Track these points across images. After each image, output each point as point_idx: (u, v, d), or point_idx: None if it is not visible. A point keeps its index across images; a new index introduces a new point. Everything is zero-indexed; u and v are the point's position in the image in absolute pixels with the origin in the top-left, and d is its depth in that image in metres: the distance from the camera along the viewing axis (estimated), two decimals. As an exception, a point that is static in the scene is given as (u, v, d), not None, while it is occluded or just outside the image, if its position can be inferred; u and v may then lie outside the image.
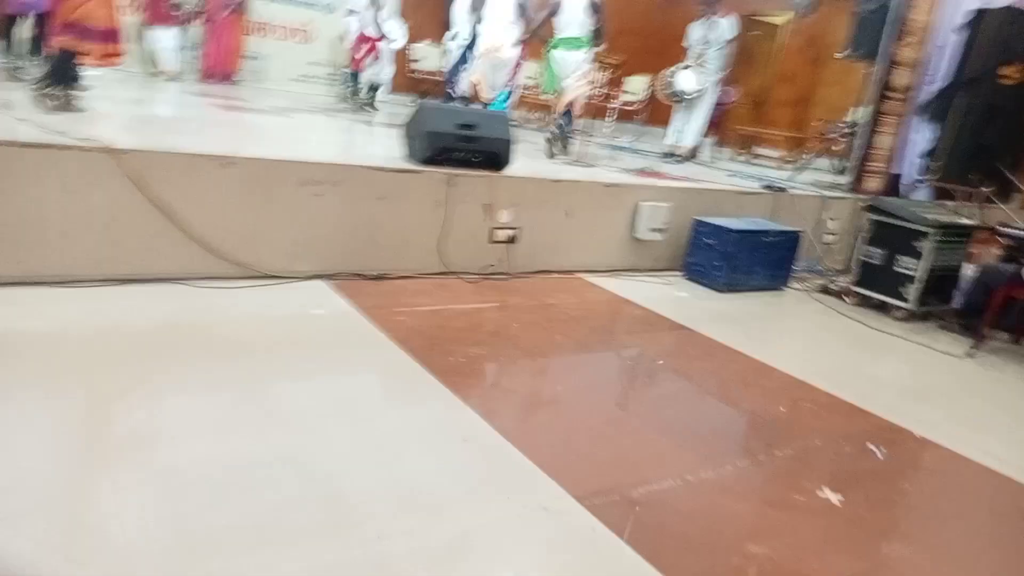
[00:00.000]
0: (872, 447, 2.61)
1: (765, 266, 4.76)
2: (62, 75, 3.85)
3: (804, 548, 1.92)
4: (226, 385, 2.38)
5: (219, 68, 8.43)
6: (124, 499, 1.69)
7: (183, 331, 2.75)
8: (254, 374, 2.49)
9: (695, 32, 6.75)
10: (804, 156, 8.26)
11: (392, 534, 1.71)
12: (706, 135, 7.42)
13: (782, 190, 5.60)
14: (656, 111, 8.76)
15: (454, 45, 6.96)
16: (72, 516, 1.63)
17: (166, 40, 7.74)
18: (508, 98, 6.49)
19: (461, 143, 3.88)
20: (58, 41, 3.77)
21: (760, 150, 9.58)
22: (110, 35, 3.82)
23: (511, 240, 4.11)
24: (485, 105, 6.03)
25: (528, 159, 4.82)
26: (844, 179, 6.54)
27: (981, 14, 5.96)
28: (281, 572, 1.54)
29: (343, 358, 2.79)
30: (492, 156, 4.03)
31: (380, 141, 5.41)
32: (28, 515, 1.58)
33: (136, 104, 5.64)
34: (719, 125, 8.63)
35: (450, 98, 6.87)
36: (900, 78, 6.03)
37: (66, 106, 3.84)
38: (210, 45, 8.37)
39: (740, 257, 4.59)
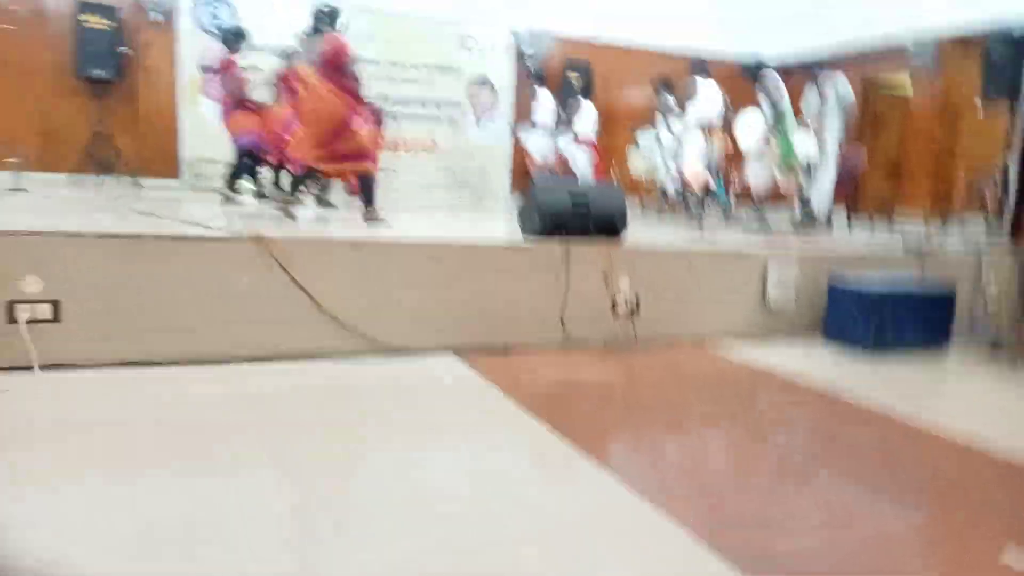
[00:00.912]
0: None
1: (915, 326, 4.39)
2: (301, 186, 4.87)
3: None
4: (377, 462, 2.37)
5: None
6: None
7: (328, 404, 2.87)
8: (400, 446, 2.47)
9: (810, 98, 6.67)
10: (951, 213, 7.70)
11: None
12: (836, 200, 7.14)
13: (927, 249, 5.21)
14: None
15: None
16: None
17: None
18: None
19: (575, 214, 3.96)
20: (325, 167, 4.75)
21: (901, 210, 9.04)
22: (363, 155, 4.78)
23: (634, 309, 4.06)
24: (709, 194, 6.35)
25: (647, 227, 4.83)
26: (998, 232, 6.00)
27: None
28: None
29: (480, 430, 2.75)
30: (607, 225, 4.07)
31: (501, 221, 5.62)
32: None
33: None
34: (850, 189, 8.27)
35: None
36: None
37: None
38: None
39: (885, 317, 4.26)
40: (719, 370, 3.81)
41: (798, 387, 3.55)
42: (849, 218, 7.71)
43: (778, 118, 6.16)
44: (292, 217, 4.72)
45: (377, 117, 9.10)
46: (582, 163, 8.53)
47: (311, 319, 3.37)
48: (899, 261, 5.00)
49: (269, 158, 6.23)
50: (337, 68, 4.65)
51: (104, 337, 3.06)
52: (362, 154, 4.82)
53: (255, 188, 6.46)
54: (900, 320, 4.29)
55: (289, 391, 2.98)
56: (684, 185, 7.29)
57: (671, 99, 7.82)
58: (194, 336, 3.20)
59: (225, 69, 6.18)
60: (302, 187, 5.06)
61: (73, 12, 8.09)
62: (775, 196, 6.68)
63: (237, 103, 6.22)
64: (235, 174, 6.38)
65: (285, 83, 5.51)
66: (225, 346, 3.24)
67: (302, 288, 3.32)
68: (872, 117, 10.72)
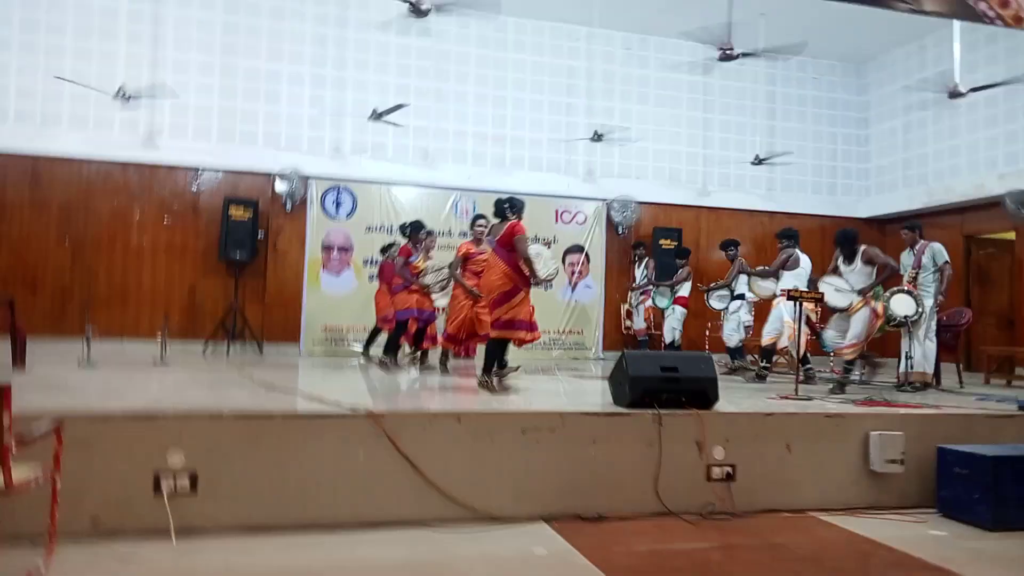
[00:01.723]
0: None
1: (1043, 498, 4.08)
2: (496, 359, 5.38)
3: None
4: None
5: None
6: None
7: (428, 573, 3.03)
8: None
9: (905, 259, 6.72)
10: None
11: None
12: (943, 359, 6.90)
13: (1047, 408, 4.93)
14: (887, 341, 8.33)
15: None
16: None
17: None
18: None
19: (665, 385, 4.11)
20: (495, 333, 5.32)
21: (1021, 371, 8.51)
22: (533, 325, 5.40)
23: (729, 477, 4.05)
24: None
25: (741, 389, 4.86)
26: None
27: None
28: None
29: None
30: (699, 395, 4.18)
31: (591, 389, 5.78)
32: None
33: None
34: (957, 348, 7.95)
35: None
36: None
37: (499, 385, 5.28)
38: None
39: (1006, 489, 4.01)
40: (821, 546, 3.67)
41: (908, 568, 3.37)
42: (960, 377, 7.37)
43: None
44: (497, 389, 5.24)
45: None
46: (676, 323, 8.72)
47: (416, 488, 3.60)
48: (1014, 422, 4.75)
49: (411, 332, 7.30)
50: (508, 247, 5.29)
51: (232, 506, 3.40)
52: (529, 327, 5.39)
53: (407, 356, 7.46)
54: (1023, 492, 4.03)
55: (394, 559, 3.16)
56: (776, 348, 7.27)
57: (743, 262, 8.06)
58: (312, 505, 3.48)
59: (404, 256, 7.14)
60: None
61: (222, 205, 9.43)
62: (873, 357, 6.55)
63: (405, 285, 7.14)
64: (391, 345, 7.23)
65: (464, 267, 6.62)
66: (341, 513, 3.49)
67: (408, 460, 3.59)
68: (981, 274, 10.46)
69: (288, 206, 9.80)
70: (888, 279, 6.17)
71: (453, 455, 3.71)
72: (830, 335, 6.25)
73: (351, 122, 10.05)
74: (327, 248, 9.89)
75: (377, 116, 9.51)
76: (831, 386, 6.06)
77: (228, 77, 9.79)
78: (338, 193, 9.98)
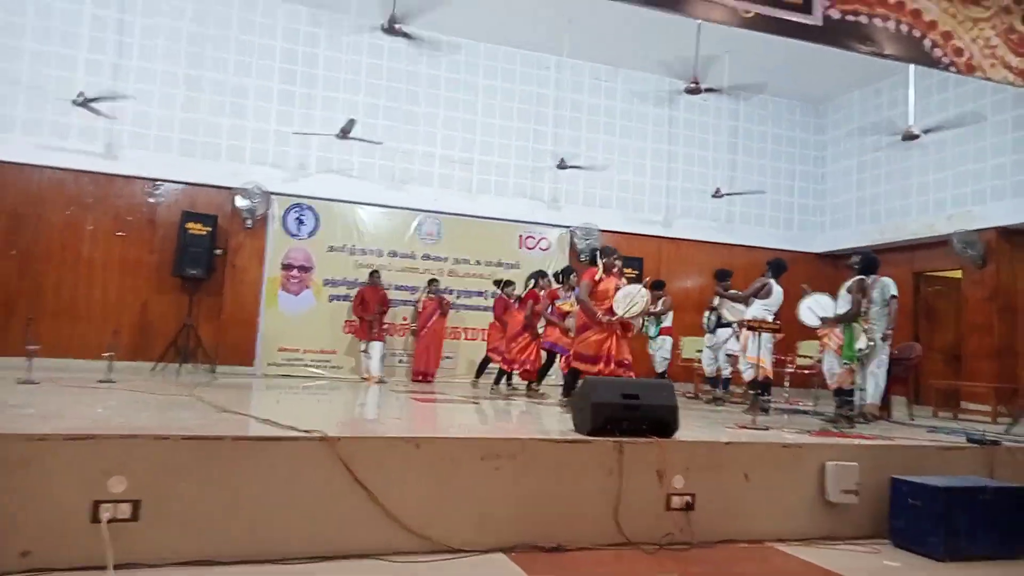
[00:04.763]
0: None
1: (993, 530, 4.16)
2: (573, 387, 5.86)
3: None
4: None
5: (425, 369, 9.61)
6: None
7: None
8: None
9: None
10: (1016, 406, 7.44)
11: None
12: (893, 392, 7.06)
13: (995, 443, 5.05)
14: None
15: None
16: None
17: (375, 352, 9.15)
18: None
19: (627, 412, 4.09)
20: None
21: (967, 405, 8.76)
22: (595, 359, 6.02)
23: (688, 507, 4.03)
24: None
25: (702, 418, 4.87)
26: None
27: None
28: None
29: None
30: (660, 423, 4.17)
31: (552, 416, 5.74)
32: None
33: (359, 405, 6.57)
34: (907, 382, 8.15)
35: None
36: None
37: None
38: (419, 352, 9.69)
39: (957, 520, 4.08)
40: (778, 571, 3.67)
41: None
42: (910, 410, 7.56)
43: (852, 316, 6.42)
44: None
45: (444, 307, 9.78)
46: (667, 353, 9.22)
47: (373, 518, 3.48)
48: (964, 455, 4.85)
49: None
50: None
51: (177, 537, 3.22)
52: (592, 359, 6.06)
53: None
54: (974, 523, 4.10)
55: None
56: (737, 376, 7.37)
57: (729, 290, 8.16)
58: (262, 535, 3.34)
59: (531, 298, 7.90)
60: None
61: (179, 220, 9.20)
62: (830, 387, 6.68)
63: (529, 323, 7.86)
64: (541, 376, 7.90)
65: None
66: (292, 545, 3.35)
67: (364, 487, 3.48)
68: (928, 310, 10.80)
69: (248, 222, 9.63)
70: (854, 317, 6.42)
71: (410, 482, 3.61)
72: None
73: (317, 140, 9.97)
74: (287, 267, 9.73)
75: (343, 135, 9.45)
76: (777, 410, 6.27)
77: (193, 89, 9.63)
78: (301, 211, 9.85)
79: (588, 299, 6.14)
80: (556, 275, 8.13)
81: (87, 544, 3.05)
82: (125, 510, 3.14)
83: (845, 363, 6.44)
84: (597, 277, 6.21)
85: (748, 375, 7.00)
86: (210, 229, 9.25)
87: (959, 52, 5.72)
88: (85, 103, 8.61)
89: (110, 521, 3.08)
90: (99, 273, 9.19)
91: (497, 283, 9.03)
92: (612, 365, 5.98)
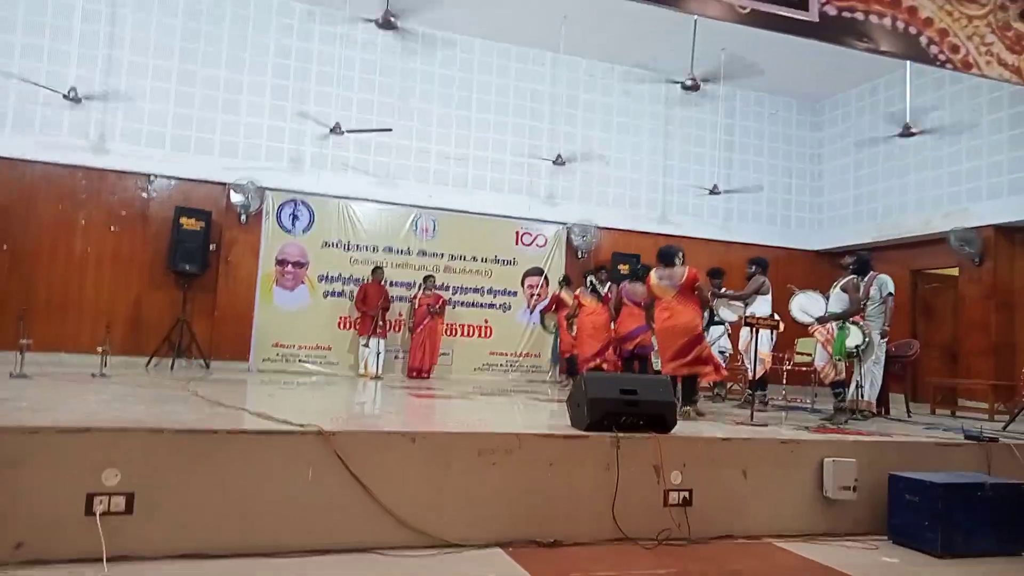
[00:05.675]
0: None
1: (991, 526, 4.15)
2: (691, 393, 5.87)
3: None
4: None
5: (420, 366, 9.60)
6: None
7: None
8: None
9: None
10: (1013, 403, 7.45)
11: None
12: (891, 389, 7.06)
13: (993, 440, 5.04)
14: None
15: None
16: None
17: (376, 349, 9.16)
18: None
19: (624, 408, 4.06)
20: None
21: (964, 402, 8.78)
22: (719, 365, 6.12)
23: (685, 503, 4.01)
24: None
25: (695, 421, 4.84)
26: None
27: None
28: None
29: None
30: (656, 418, 4.14)
31: (549, 411, 5.72)
32: None
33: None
34: (906, 379, 8.16)
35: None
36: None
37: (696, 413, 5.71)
38: (415, 349, 9.67)
39: (955, 516, 4.07)
40: (777, 573, 3.64)
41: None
42: (908, 407, 7.56)
43: (853, 314, 6.45)
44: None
45: (439, 309, 9.75)
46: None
47: (368, 512, 3.45)
48: (962, 451, 4.84)
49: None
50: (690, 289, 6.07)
51: (171, 529, 3.19)
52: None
53: None
54: (971, 519, 4.09)
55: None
56: (738, 372, 7.36)
57: (723, 288, 8.13)
58: (257, 528, 3.30)
59: (556, 303, 8.61)
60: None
61: (173, 215, 9.13)
62: (829, 384, 6.68)
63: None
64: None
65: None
66: (287, 538, 3.32)
67: (360, 482, 3.44)
68: (926, 308, 10.81)
69: (243, 218, 9.57)
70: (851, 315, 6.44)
71: (407, 477, 3.58)
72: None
73: (311, 136, 9.91)
74: (281, 262, 9.69)
75: (340, 131, 9.41)
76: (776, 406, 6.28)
77: (186, 84, 9.56)
78: (295, 206, 9.81)
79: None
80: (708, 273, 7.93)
81: (81, 536, 3.02)
82: (119, 503, 3.12)
83: (837, 358, 6.44)
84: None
85: (757, 371, 6.96)
86: (204, 224, 9.19)
87: (955, 49, 5.71)
88: (77, 98, 8.53)
89: (104, 514, 3.07)
90: (92, 268, 9.12)
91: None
92: None
